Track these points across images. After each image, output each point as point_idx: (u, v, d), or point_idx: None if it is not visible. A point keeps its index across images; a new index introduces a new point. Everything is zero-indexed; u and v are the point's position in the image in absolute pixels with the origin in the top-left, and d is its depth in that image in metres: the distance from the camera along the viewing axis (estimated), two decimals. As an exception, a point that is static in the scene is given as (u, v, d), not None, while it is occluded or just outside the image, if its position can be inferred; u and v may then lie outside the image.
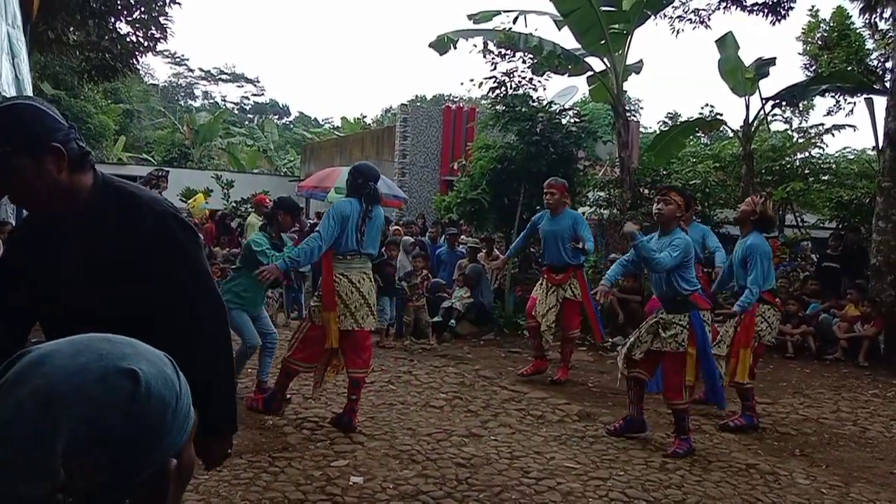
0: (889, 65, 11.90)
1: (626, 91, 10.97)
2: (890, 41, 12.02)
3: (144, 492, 0.87)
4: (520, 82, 10.66)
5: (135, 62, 10.52)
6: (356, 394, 5.09)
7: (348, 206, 5.06)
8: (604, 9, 9.68)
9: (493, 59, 10.46)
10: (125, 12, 9.48)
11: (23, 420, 0.80)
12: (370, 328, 5.26)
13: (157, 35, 9.74)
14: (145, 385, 0.86)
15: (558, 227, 6.76)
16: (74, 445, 0.81)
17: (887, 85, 10.36)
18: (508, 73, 10.58)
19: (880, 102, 10.39)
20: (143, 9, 9.42)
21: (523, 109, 10.50)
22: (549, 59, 10.06)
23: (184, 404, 0.91)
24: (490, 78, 10.60)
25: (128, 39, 9.78)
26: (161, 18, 9.54)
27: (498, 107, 10.79)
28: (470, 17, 10.28)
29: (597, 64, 10.52)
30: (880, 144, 9.76)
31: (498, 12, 10.02)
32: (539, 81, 10.72)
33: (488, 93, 10.90)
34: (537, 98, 10.76)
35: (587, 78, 10.94)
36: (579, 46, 10.34)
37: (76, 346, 0.87)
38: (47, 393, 0.81)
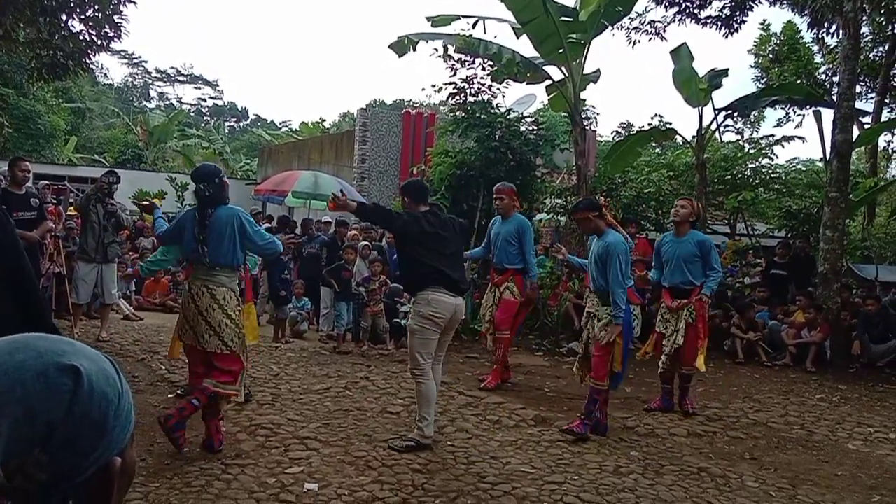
0: (836, 79, 12.28)
1: (584, 100, 11.11)
2: (836, 56, 12.40)
3: (87, 492, 0.85)
4: (479, 89, 10.74)
5: (87, 61, 10.24)
6: (203, 408, 4.48)
7: (187, 212, 4.86)
8: (562, 19, 9.79)
9: (452, 64, 10.50)
10: (78, 10, 9.22)
11: None
12: (215, 350, 4.50)
13: (111, 34, 9.51)
14: (87, 382, 0.84)
15: (504, 229, 6.86)
16: (14, 444, 0.79)
17: (834, 98, 10.69)
18: (468, 80, 10.64)
19: (828, 115, 10.71)
20: (96, 6, 9.18)
21: (483, 116, 10.57)
22: (509, 67, 10.14)
23: (125, 402, 0.89)
24: (450, 84, 10.65)
25: (80, 37, 9.52)
26: (115, 17, 9.31)
27: (458, 113, 10.84)
28: (429, 19, 10.29)
29: (555, 73, 10.65)
30: (828, 156, 10.05)
31: (457, 17, 10.05)
32: (498, 88, 10.81)
33: (448, 99, 10.94)
34: (496, 105, 10.85)
35: (546, 87, 11.05)
36: (538, 55, 10.43)
37: (13, 344, 0.85)
38: None
